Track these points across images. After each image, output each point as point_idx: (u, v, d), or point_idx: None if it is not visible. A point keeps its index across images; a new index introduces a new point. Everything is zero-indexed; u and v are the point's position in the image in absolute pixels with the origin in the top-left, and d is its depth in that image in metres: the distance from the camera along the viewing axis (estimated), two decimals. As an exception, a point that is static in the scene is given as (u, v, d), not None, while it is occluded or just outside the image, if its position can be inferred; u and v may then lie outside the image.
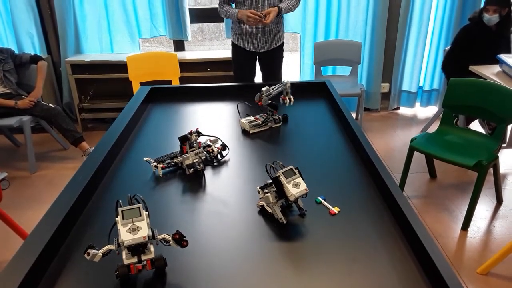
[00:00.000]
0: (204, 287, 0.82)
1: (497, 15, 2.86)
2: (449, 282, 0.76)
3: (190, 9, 3.58)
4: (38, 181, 2.90)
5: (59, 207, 1.00)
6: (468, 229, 2.29)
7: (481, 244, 2.17)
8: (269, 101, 1.55)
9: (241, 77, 2.81)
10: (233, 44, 2.75)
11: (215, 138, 1.36)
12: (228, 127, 1.59)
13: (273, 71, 2.85)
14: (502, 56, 2.70)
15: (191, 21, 3.61)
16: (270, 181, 1.01)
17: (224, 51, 3.62)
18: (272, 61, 2.80)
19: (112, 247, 0.81)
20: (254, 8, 2.49)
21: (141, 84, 3.22)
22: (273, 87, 1.55)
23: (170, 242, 0.83)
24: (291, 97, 1.59)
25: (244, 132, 1.55)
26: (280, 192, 0.98)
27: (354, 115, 3.68)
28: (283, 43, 2.80)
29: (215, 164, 1.32)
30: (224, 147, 1.37)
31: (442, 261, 0.81)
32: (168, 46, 5.47)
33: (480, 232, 2.27)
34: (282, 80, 1.61)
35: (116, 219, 0.81)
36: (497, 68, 2.77)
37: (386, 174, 1.12)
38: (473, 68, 2.83)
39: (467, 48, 3.05)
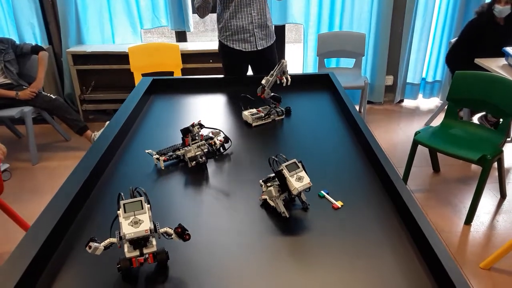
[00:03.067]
0: (206, 280, 0.82)
1: (509, 6, 2.81)
2: (452, 277, 0.75)
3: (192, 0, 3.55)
4: (39, 173, 2.90)
5: (60, 199, 0.99)
6: (471, 223, 2.28)
7: (484, 239, 2.16)
8: (272, 94, 1.53)
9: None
10: (223, 47, 2.41)
11: (218, 130, 1.35)
12: (230, 120, 1.58)
13: (269, 68, 2.57)
14: (509, 49, 2.66)
15: (193, 12, 3.57)
16: (273, 174, 1.00)
17: (226, 43, 3.58)
18: (268, 61, 2.48)
19: (113, 240, 0.80)
20: (243, 4, 2.26)
21: (143, 75, 3.21)
22: (271, 73, 1.51)
23: (172, 236, 0.83)
24: (288, 76, 1.54)
25: (247, 125, 1.53)
26: (283, 185, 0.97)
27: (357, 108, 3.66)
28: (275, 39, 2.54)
29: (217, 157, 1.31)
30: (226, 139, 1.35)
31: (445, 256, 0.80)
32: (170, 37, 5.44)
33: (483, 227, 2.26)
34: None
35: (118, 212, 0.80)
36: (502, 61, 2.74)
37: (389, 168, 1.10)
38: (479, 61, 2.80)
39: (473, 42, 3.01)
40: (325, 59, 3.65)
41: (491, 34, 2.96)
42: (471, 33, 3.03)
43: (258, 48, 2.40)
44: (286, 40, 3.81)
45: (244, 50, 2.38)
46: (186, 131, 1.22)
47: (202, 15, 2.35)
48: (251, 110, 1.56)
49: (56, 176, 2.84)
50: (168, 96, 1.83)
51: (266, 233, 0.95)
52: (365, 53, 3.59)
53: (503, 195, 2.50)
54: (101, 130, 1.42)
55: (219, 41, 2.44)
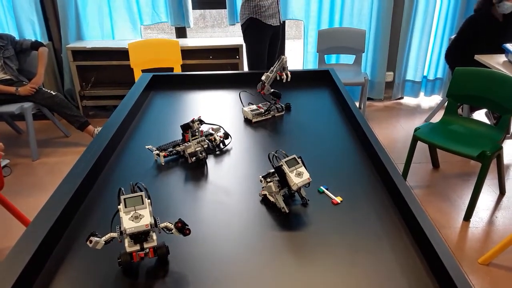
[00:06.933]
0: (206, 275, 0.82)
1: None
2: (451, 272, 0.75)
3: (193, -5, 3.54)
4: (40, 168, 2.91)
5: (61, 194, 0.99)
6: (470, 219, 2.29)
7: (483, 235, 2.17)
8: (272, 90, 1.53)
9: (263, 58, 2.83)
10: (256, 22, 2.71)
11: (218, 126, 1.35)
12: (230, 116, 1.58)
13: (275, 47, 2.94)
14: (509, 45, 2.66)
15: (193, 8, 3.57)
16: (273, 170, 1.01)
17: (226, 39, 3.58)
18: (277, 36, 2.88)
19: (114, 235, 0.80)
20: None
21: (143, 71, 3.21)
22: (271, 69, 1.51)
23: (172, 231, 0.83)
24: (288, 72, 1.54)
25: (247, 121, 1.53)
26: (283, 181, 0.98)
27: (357, 105, 3.66)
28: None
29: (217, 152, 1.31)
30: (226, 135, 1.36)
31: (444, 251, 0.80)
32: (170, 33, 5.42)
33: (482, 223, 2.26)
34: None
35: (119, 207, 0.80)
36: (502, 57, 2.74)
37: (389, 164, 1.11)
38: (479, 57, 2.80)
39: (472, 39, 3.01)
40: (325, 56, 3.64)
41: (489, 30, 2.96)
42: (469, 30, 3.03)
43: (281, 22, 2.87)
44: (286, 36, 3.81)
45: (273, 24, 2.77)
46: (186, 127, 1.22)
47: None
48: (251, 106, 1.56)
49: (56, 172, 2.85)
50: (168, 92, 1.83)
51: (266, 228, 0.96)
52: (365, 50, 3.58)
53: (502, 192, 2.51)
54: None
55: (250, 17, 2.71)
